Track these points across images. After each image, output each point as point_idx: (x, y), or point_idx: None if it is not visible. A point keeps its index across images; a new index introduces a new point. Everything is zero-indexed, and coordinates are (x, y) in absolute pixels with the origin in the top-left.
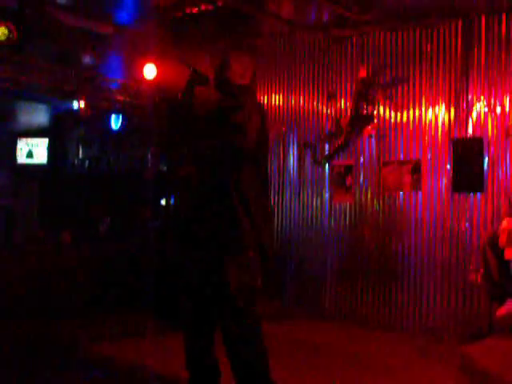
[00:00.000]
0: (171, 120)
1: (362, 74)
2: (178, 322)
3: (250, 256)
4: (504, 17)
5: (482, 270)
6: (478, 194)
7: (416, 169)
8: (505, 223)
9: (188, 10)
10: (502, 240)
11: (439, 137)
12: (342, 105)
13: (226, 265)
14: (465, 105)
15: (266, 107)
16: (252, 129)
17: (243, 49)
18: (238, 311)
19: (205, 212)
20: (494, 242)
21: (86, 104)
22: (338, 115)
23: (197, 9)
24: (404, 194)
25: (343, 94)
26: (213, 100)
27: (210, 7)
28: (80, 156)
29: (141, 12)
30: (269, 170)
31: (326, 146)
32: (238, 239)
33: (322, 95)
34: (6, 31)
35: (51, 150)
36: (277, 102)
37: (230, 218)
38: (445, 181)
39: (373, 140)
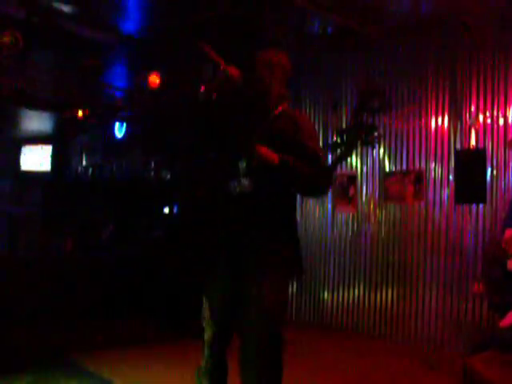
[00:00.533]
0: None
1: (365, 86)
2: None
3: (287, 269)
4: (508, 28)
5: (484, 281)
6: (481, 205)
7: (419, 179)
8: (508, 234)
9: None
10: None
11: (442, 148)
12: (345, 115)
13: (264, 277)
14: (468, 116)
15: None
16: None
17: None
18: (270, 325)
19: (248, 221)
20: (496, 252)
21: (89, 112)
22: (340, 125)
23: (199, 17)
24: (407, 204)
25: (346, 104)
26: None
27: (211, 14)
28: (84, 163)
29: (146, 21)
30: None
31: (330, 156)
32: (278, 252)
33: (326, 105)
34: (12, 40)
35: (55, 157)
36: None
37: (272, 229)
38: (447, 192)
39: (375, 150)
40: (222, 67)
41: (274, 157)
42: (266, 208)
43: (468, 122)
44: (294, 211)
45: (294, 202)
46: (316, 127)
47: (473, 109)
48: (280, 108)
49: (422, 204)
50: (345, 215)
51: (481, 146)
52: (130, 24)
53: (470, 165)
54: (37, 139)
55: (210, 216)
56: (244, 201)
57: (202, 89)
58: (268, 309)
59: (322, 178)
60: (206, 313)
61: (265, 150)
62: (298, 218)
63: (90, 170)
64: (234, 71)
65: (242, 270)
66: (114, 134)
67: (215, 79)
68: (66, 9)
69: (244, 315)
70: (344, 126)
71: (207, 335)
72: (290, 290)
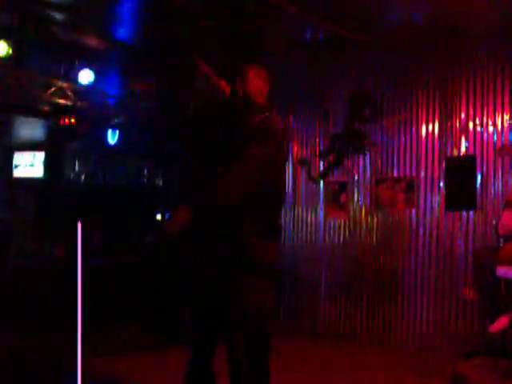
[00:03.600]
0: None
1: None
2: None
3: (265, 277)
4: (497, 37)
5: (475, 287)
6: (471, 211)
7: (410, 186)
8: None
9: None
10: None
11: (433, 155)
12: (337, 122)
13: (243, 287)
14: (458, 123)
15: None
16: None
17: (260, 64)
18: (253, 334)
19: (219, 231)
20: (486, 258)
21: (81, 119)
22: (332, 132)
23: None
24: (398, 211)
25: (338, 112)
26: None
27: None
28: (76, 170)
29: (139, 28)
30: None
31: (321, 163)
32: (252, 259)
33: (317, 112)
34: (7, 47)
35: (47, 163)
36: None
37: (241, 240)
38: (438, 198)
39: (367, 157)
40: (213, 80)
41: None
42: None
43: (458, 129)
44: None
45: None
46: (307, 135)
47: (463, 116)
48: (257, 119)
49: (413, 211)
50: (336, 222)
51: (471, 153)
52: (123, 31)
53: (460, 172)
54: (29, 145)
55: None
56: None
57: (193, 100)
58: (245, 309)
59: None
60: (191, 318)
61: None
62: (290, 224)
63: (83, 176)
64: (224, 85)
65: (221, 275)
66: (106, 140)
67: (205, 91)
68: (58, 16)
69: (226, 318)
70: (335, 133)
71: (192, 341)
72: (280, 296)
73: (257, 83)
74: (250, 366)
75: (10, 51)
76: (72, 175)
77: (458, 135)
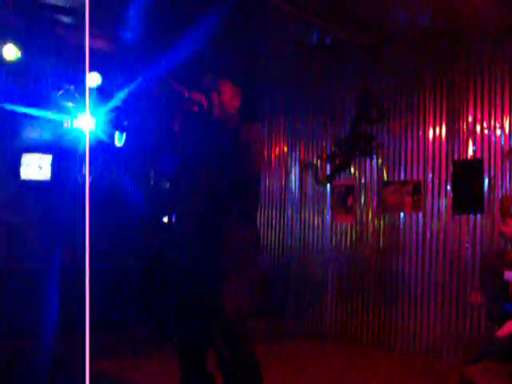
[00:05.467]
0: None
1: (363, 97)
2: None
3: (244, 278)
4: (505, 38)
5: (482, 291)
6: (478, 215)
7: (417, 189)
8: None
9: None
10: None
11: (440, 158)
12: (343, 125)
13: (221, 289)
14: (465, 126)
15: (267, 127)
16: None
17: (234, 71)
18: (234, 335)
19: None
20: (493, 262)
21: (91, 122)
22: (339, 135)
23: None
24: (405, 214)
25: (344, 114)
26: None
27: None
28: (83, 172)
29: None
30: (269, 189)
31: (328, 166)
32: (228, 263)
33: (324, 115)
34: (15, 51)
35: (55, 166)
36: (279, 122)
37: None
38: (445, 202)
39: (374, 160)
40: (186, 94)
41: None
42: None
43: (465, 132)
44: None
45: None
46: (313, 138)
47: (470, 119)
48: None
49: (420, 214)
50: (343, 225)
51: (478, 156)
52: (129, 34)
53: (467, 175)
54: (36, 148)
55: None
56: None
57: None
58: (229, 321)
59: None
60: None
61: None
62: (297, 227)
63: (90, 179)
64: (198, 96)
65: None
66: (113, 143)
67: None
68: (66, 19)
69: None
70: (342, 136)
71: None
72: (286, 299)
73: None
74: (233, 357)
75: (20, 54)
76: (80, 177)
77: (465, 138)
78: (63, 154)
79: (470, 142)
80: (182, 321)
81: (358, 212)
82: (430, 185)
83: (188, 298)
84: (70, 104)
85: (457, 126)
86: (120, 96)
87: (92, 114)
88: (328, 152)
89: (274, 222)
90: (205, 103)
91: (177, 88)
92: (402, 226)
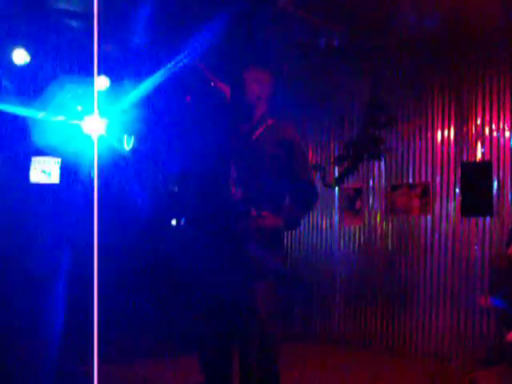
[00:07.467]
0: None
1: (372, 100)
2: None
3: (275, 281)
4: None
5: (492, 295)
6: (487, 217)
7: (425, 192)
8: None
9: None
10: None
11: (448, 160)
12: (352, 128)
13: (255, 290)
14: (474, 128)
15: None
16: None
17: (261, 67)
18: (265, 337)
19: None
20: (503, 266)
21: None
22: (347, 138)
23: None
24: (413, 217)
25: (353, 117)
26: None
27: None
28: (92, 175)
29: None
30: None
31: (336, 169)
32: (266, 263)
33: (332, 118)
34: (25, 55)
35: (64, 169)
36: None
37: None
38: (454, 204)
39: (382, 163)
40: (212, 83)
41: (278, 222)
42: None
43: (474, 135)
44: None
45: None
46: (322, 140)
47: (479, 121)
48: (264, 125)
49: (429, 217)
50: (351, 228)
51: (487, 158)
52: (137, 37)
53: (476, 178)
54: (46, 151)
55: None
56: None
57: (188, 99)
58: (262, 322)
59: (314, 203)
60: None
61: (270, 222)
62: (305, 229)
63: (99, 181)
64: (223, 87)
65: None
66: (122, 146)
67: (204, 93)
68: (75, 24)
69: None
70: (350, 139)
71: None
72: (294, 302)
73: (253, 88)
74: (260, 369)
75: (29, 59)
76: (88, 181)
77: (473, 140)
78: (72, 158)
79: (479, 145)
80: (211, 333)
81: (367, 215)
82: (438, 187)
83: (217, 306)
84: (78, 108)
85: (465, 129)
86: (130, 98)
87: (101, 117)
88: (336, 155)
89: None
90: (228, 95)
91: (206, 73)
92: (410, 229)
